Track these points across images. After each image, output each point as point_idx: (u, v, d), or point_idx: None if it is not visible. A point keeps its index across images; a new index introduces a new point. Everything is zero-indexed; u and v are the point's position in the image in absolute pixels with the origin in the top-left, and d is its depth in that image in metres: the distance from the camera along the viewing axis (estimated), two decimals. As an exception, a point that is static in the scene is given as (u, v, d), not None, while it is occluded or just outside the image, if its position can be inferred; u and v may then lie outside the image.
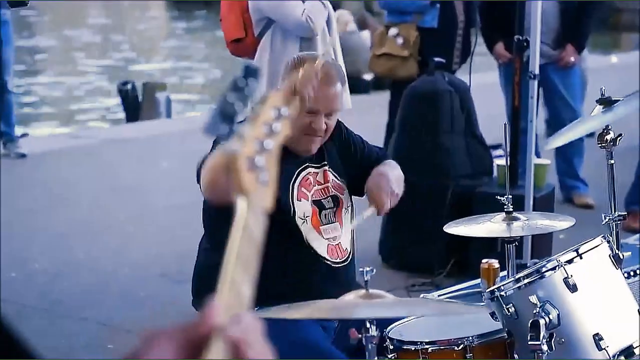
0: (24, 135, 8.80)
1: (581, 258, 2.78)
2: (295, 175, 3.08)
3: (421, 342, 2.79)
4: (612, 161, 3.21)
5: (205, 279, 3.12)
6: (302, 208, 3.06)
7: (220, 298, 1.01)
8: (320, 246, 3.06)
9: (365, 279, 2.45)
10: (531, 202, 4.84)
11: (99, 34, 23.02)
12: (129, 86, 11.03)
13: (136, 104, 10.91)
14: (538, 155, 5.84)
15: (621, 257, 2.90)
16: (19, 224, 6.28)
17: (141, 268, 5.54)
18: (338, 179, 3.20)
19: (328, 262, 3.07)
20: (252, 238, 1.06)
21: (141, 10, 30.75)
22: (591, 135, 6.34)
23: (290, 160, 3.07)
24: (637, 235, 4.74)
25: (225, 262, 1.03)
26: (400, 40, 6.22)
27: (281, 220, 2.95)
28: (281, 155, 3.03)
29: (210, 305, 0.99)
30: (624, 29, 24.45)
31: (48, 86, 15.23)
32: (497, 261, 3.38)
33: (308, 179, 3.11)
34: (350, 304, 2.41)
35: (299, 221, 3.05)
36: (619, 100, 3.25)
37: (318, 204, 3.10)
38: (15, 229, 6.17)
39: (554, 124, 7.05)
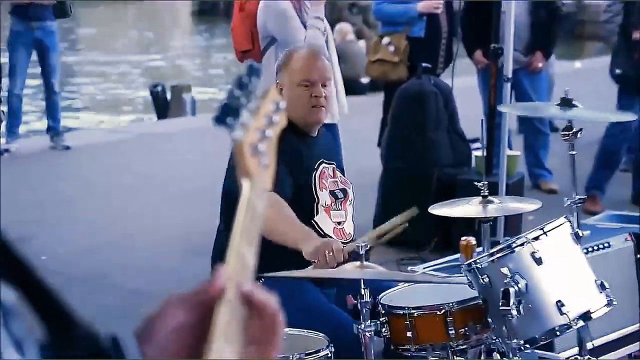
0: (68, 130, 8.81)
1: (546, 235, 2.78)
2: (315, 169, 3.10)
3: (408, 308, 2.78)
4: (574, 152, 3.21)
5: (220, 257, 3.12)
6: (324, 197, 3.08)
7: (228, 267, 1.01)
8: (327, 227, 3.07)
9: (361, 252, 2.46)
10: (504, 188, 4.84)
11: (135, 46, 23.01)
12: (159, 88, 11.03)
13: (165, 103, 10.91)
14: (510, 147, 5.84)
15: (581, 234, 2.90)
16: (65, 208, 6.30)
17: (171, 244, 5.56)
18: (344, 177, 3.23)
19: None
20: (256, 215, 1.05)
21: (171, 23, 30.75)
22: (556, 130, 6.36)
23: (309, 155, 3.09)
24: (597, 216, 4.75)
25: (232, 235, 1.03)
26: (392, 48, 6.21)
27: (304, 211, 2.96)
28: (302, 148, 3.04)
29: (218, 271, 1.00)
30: (587, 38, 24.41)
31: (90, 88, 15.24)
32: (474, 238, 3.39)
33: (324, 172, 3.13)
34: (347, 271, 2.42)
35: (320, 210, 3.06)
36: (577, 105, 3.26)
37: (333, 194, 3.12)
38: (62, 211, 6.20)
39: (524, 121, 7.07)
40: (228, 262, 1.02)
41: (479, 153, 5.24)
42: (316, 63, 3.14)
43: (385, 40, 6.25)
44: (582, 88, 6.92)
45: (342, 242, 3.06)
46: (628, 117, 3.85)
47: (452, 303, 2.78)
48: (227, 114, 1.04)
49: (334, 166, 3.20)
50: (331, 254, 2.64)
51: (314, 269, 2.67)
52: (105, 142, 8.68)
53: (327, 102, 3.13)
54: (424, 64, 5.57)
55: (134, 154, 8.11)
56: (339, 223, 3.12)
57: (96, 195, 6.65)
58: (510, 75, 4.90)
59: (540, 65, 6.45)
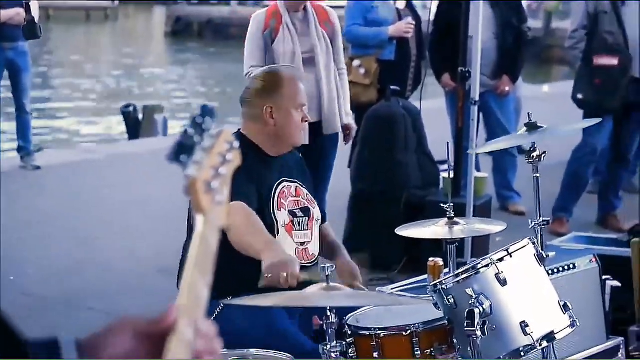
0: (39, 149, 8.73)
1: (511, 257, 2.78)
2: (274, 189, 3.09)
3: (375, 328, 2.77)
4: (538, 174, 3.23)
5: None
6: (282, 217, 3.07)
7: (181, 297, 1.03)
8: (289, 248, 3.04)
9: (327, 274, 2.45)
10: (472, 209, 4.86)
11: (107, 65, 22.94)
12: (131, 108, 10.98)
13: (137, 124, 10.86)
14: (478, 169, 5.87)
15: (545, 256, 2.92)
16: (35, 227, 6.24)
17: (142, 265, 5.52)
18: (309, 194, 3.22)
19: None
20: (209, 248, 1.08)
21: (144, 42, 30.71)
22: (524, 152, 6.40)
23: (268, 176, 3.09)
24: (563, 238, 4.79)
25: (186, 268, 1.06)
26: (362, 71, 6.23)
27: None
28: (261, 170, 3.04)
29: (170, 307, 1.01)
30: (555, 62, 24.71)
31: (62, 105, 15.16)
32: (441, 260, 3.40)
33: (284, 191, 3.12)
34: (312, 295, 2.42)
35: (280, 230, 3.04)
36: (542, 126, 3.30)
37: (292, 213, 3.10)
38: (31, 232, 6.13)
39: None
40: (182, 293, 1.04)
41: (447, 174, 5.26)
42: (302, 87, 3.21)
43: (356, 62, 6.28)
44: (550, 111, 6.98)
45: (305, 264, 3.07)
46: (594, 121, 3.86)
47: (418, 324, 2.77)
48: (181, 152, 1.07)
49: (297, 184, 3.19)
50: (285, 276, 2.62)
51: (281, 296, 2.65)
52: (77, 161, 8.59)
53: None
54: (392, 87, 5.61)
55: (106, 174, 8.04)
56: (302, 243, 3.10)
57: (68, 216, 6.59)
58: (477, 98, 4.94)
59: (507, 89, 6.51)
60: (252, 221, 2.84)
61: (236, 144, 1.13)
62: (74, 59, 23.58)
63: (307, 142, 4.04)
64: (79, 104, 15.56)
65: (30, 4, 5.70)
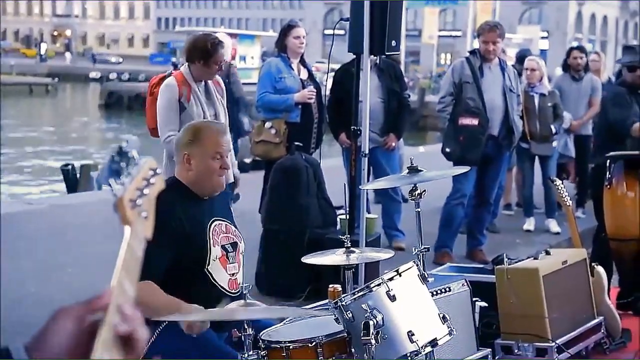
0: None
1: (400, 276, 2.82)
2: (208, 227, 3.03)
3: (285, 342, 2.75)
4: (419, 209, 3.28)
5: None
6: (215, 251, 3.01)
7: (111, 292, 1.04)
8: (223, 280, 3.00)
9: (244, 292, 2.43)
10: (364, 244, 4.87)
11: (48, 132, 22.45)
12: (70, 167, 10.77)
13: (75, 180, 10.63)
14: (369, 211, 5.93)
15: (426, 276, 2.96)
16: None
17: (77, 298, 5.30)
18: (237, 231, 3.18)
19: (226, 292, 3.01)
20: (135, 254, 1.09)
21: (81, 113, 30.18)
22: (407, 201, 6.52)
23: (202, 214, 3.04)
24: (440, 267, 4.88)
25: (115, 269, 1.06)
26: (273, 131, 6.25)
27: (196, 263, 2.90)
28: (196, 210, 2.97)
29: (104, 290, 1.01)
30: (429, 129, 25.46)
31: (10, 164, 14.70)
32: (340, 286, 3.40)
33: (216, 229, 3.06)
34: (233, 310, 2.38)
35: (212, 262, 2.98)
36: (422, 170, 3.37)
37: (224, 248, 3.05)
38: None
39: (379, 192, 7.22)
40: (112, 288, 1.04)
41: (343, 216, 5.30)
42: (225, 137, 3.12)
43: (268, 124, 6.31)
44: (425, 165, 7.11)
45: (235, 292, 3.02)
46: (462, 169, 3.95)
47: (321, 337, 2.76)
48: (109, 175, 1.09)
49: (226, 222, 3.14)
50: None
51: (206, 312, 2.60)
52: (22, 211, 8.31)
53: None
54: (296, 143, 5.64)
55: (48, 221, 7.79)
56: (233, 274, 3.06)
57: (14, 257, 6.34)
58: (367, 152, 5.00)
59: (393, 144, 6.63)
60: (159, 296, 2.77)
61: (159, 171, 1.13)
62: (20, 127, 22.99)
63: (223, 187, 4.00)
64: (23, 163, 15.11)
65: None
